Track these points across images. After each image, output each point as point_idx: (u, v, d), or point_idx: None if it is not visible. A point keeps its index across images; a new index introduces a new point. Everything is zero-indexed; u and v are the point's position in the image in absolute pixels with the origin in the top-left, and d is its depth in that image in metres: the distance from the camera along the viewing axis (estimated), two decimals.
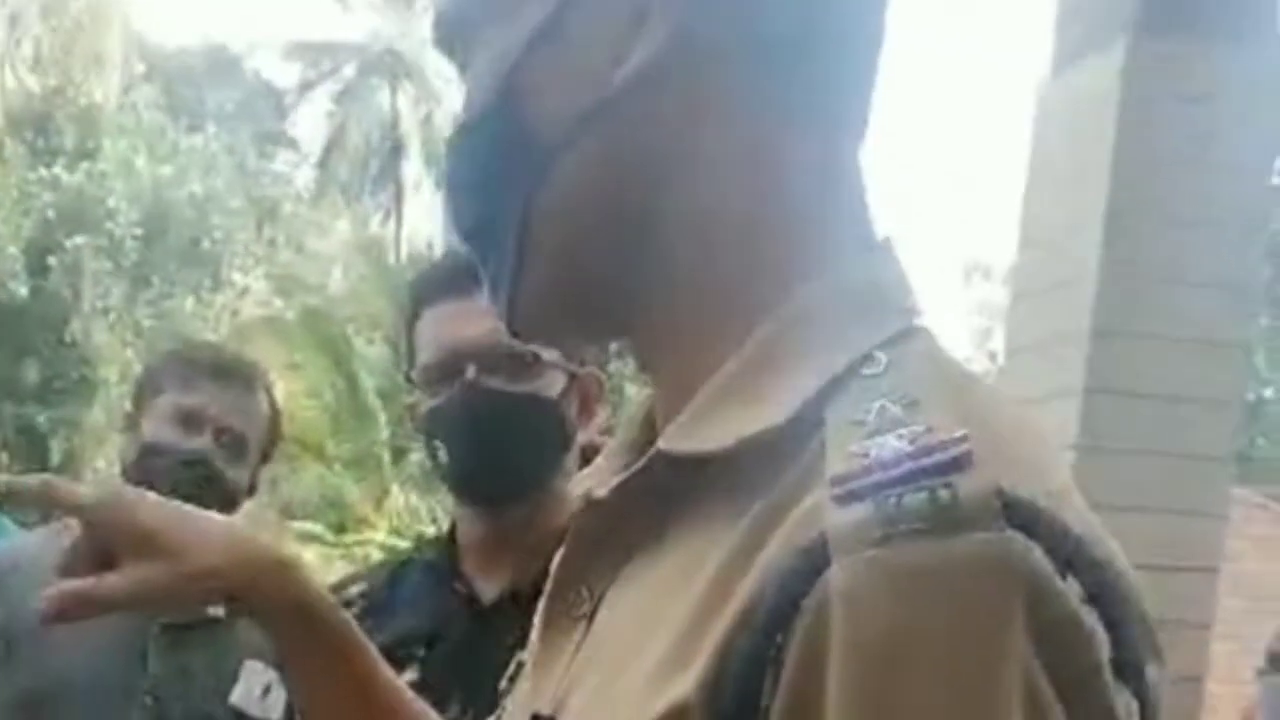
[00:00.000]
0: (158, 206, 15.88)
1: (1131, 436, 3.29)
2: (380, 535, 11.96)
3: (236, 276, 16.85)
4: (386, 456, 13.65)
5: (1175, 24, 3.36)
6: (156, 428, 2.11)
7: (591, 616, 0.73)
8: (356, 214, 25.99)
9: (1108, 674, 0.58)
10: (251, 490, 2.22)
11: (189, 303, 15.94)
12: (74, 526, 1.04)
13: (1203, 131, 3.33)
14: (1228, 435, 3.50)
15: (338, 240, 21.43)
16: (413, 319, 1.77)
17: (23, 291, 14.63)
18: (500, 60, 0.73)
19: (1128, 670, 0.59)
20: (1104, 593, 0.59)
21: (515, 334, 0.79)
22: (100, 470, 13.84)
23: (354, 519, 12.60)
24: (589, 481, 0.77)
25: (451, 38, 0.79)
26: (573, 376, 1.72)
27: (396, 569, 1.86)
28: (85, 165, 15.53)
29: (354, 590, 1.85)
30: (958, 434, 0.59)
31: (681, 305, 0.72)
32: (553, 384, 1.70)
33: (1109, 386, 3.31)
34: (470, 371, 1.67)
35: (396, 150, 27.01)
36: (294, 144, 28.46)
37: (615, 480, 0.72)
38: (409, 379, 1.79)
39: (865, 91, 0.74)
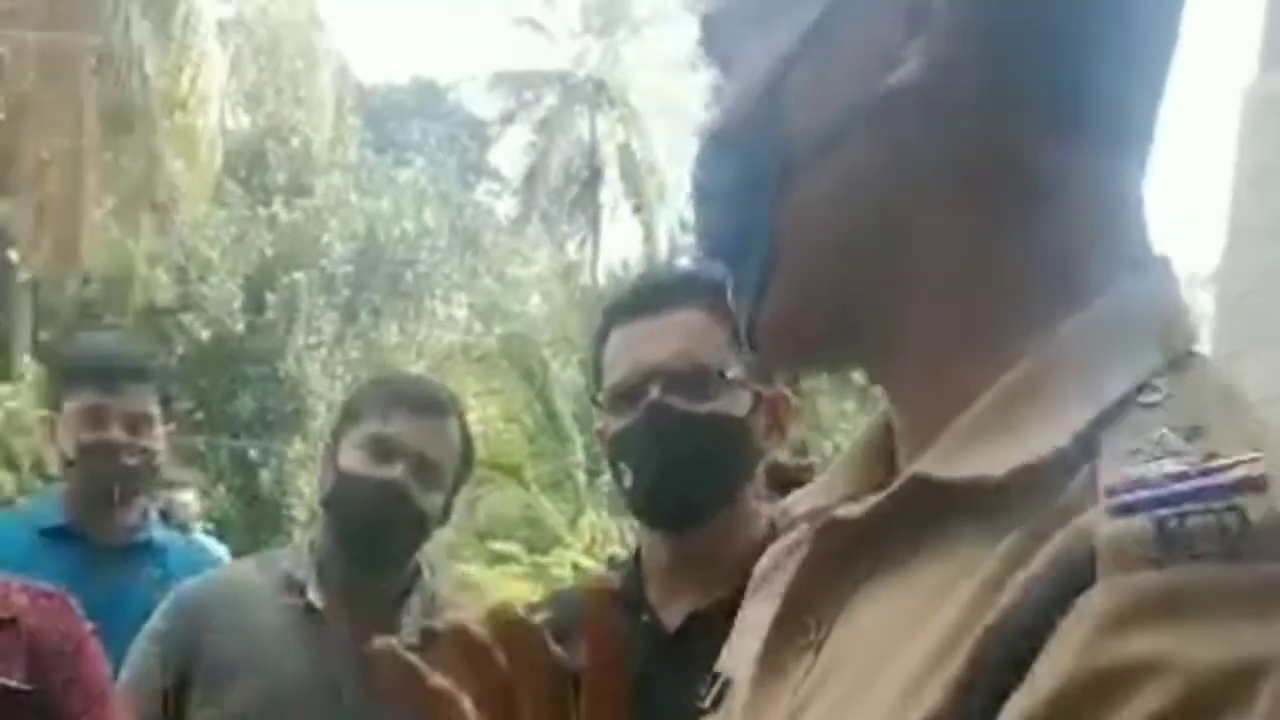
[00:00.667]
0: (369, 241, 16.32)
1: None
2: (573, 555, 12.06)
3: (439, 306, 17.21)
4: (582, 478, 13.78)
5: None
6: (353, 457, 2.16)
7: (820, 645, 0.70)
8: (555, 240, 26.38)
9: None
10: (444, 518, 2.25)
11: (394, 333, 16.33)
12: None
13: None
14: None
15: (536, 267, 21.79)
16: (601, 341, 1.76)
17: (239, 327, 15.15)
18: (762, 65, 0.71)
19: None
20: None
21: (755, 349, 0.75)
22: (305, 497, 14.26)
23: (550, 539, 12.74)
24: (812, 501, 0.73)
25: (716, 39, 0.76)
26: (759, 395, 1.69)
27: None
28: (301, 202, 16.04)
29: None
30: (1250, 454, 0.54)
31: (935, 328, 0.69)
32: (740, 402, 1.67)
33: None
34: (655, 391, 1.65)
35: (595, 175, 27.36)
36: (496, 173, 29.08)
37: (869, 501, 0.68)
38: (595, 402, 1.79)
39: (1151, 103, 0.69)
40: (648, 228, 25.98)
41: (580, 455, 13.77)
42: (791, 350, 0.76)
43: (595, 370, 1.77)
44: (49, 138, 13.16)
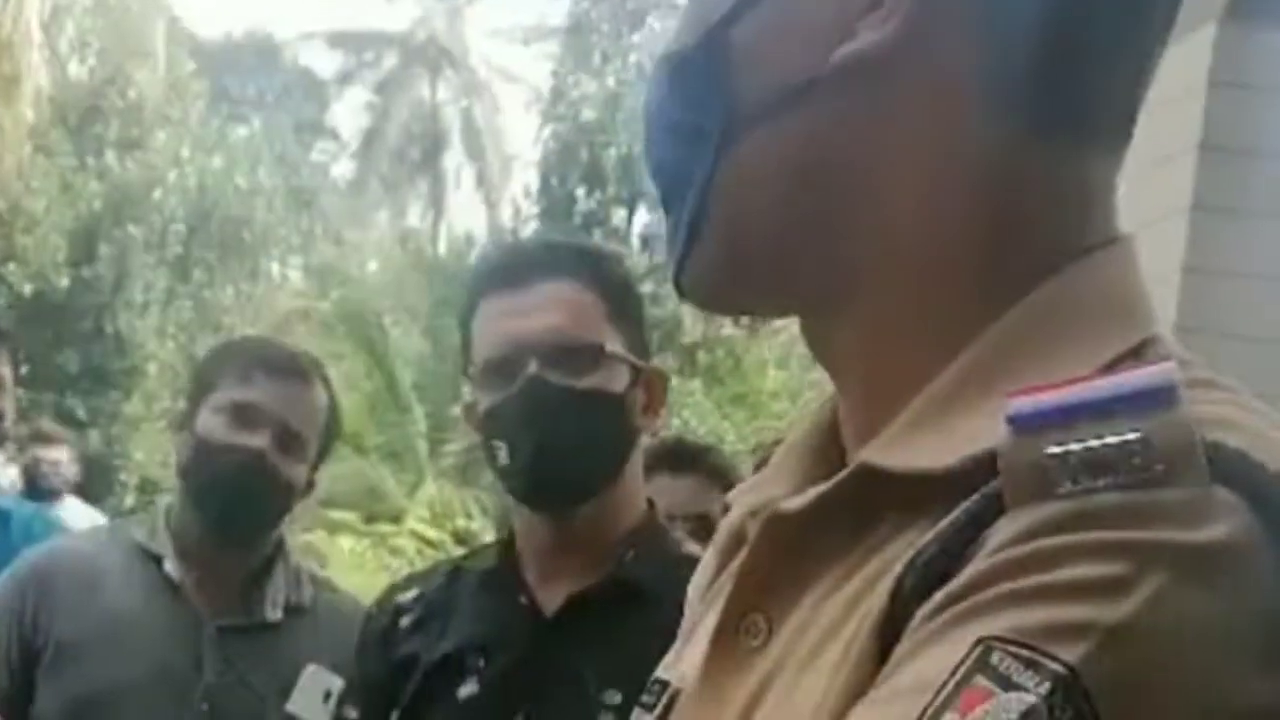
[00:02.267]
0: (202, 198, 15.97)
1: None
2: (414, 524, 12.03)
3: (274, 268, 16.92)
4: (423, 447, 13.71)
5: (1263, 11, 3.28)
6: (211, 424, 2.04)
7: (767, 647, 0.66)
8: (395, 205, 26.10)
9: None
10: (309, 489, 2.14)
11: (228, 294, 16.02)
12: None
13: None
14: None
15: (376, 232, 21.53)
16: (469, 313, 1.69)
17: (64, 281, 14.68)
18: (717, 5, 0.68)
19: None
20: None
21: (680, 292, 0.73)
22: (138, 461, 13.90)
23: (389, 508, 12.69)
24: (755, 496, 0.70)
25: None
26: (637, 370, 1.65)
27: (453, 574, 1.79)
28: (133, 155, 15.62)
29: (408, 596, 1.77)
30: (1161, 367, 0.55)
31: (880, 310, 0.66)
32: (618, 378, 1.63)
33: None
34: (532, 366, 1.60)
35: (437, 142, 27.09)
36: (333, 134, 28.60)
37: (811, 493, 0.65)
38: (467, 375, 1.72)
39: (1127, 93, 0.67)
40: (491, 197, 25.81)
41: (421, 425, 13.70)
42: (713, 300, 0.75)
43: (464, 343, 1.70)
44: None
